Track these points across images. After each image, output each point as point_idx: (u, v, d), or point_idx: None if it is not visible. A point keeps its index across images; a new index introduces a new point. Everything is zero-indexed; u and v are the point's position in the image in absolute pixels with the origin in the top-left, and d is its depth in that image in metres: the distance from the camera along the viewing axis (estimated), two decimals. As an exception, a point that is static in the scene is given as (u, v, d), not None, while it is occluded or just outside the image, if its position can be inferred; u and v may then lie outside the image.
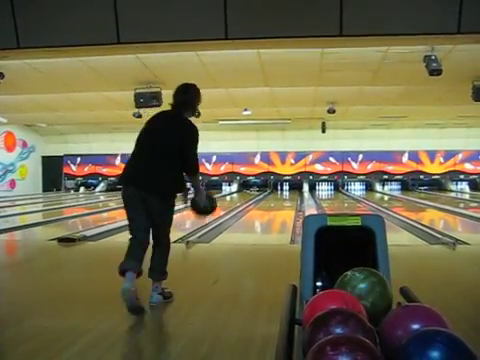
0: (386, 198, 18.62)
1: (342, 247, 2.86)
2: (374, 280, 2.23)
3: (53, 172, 22.45)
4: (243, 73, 9.86)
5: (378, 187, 21.57)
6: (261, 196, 18.90)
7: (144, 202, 3.86)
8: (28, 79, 10.08)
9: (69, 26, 6.07)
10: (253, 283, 4.89)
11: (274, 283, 4.34)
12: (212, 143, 19.38)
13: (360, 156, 21.60)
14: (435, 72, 7.60)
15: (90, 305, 4.02)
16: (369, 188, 21.66)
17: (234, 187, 22.13)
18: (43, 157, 22.54)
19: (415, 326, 1.77)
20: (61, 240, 7.26)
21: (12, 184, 20.68)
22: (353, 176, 21.90)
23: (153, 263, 3.98)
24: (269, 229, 10.91)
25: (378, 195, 19.89)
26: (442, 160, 21.40)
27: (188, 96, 4.05)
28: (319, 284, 2.77)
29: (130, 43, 6.17)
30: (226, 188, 22.24)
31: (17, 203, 16.10)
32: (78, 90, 11.56)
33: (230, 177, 22.28)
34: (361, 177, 21.85)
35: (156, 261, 3.98)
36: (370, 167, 21.67)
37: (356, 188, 21.87)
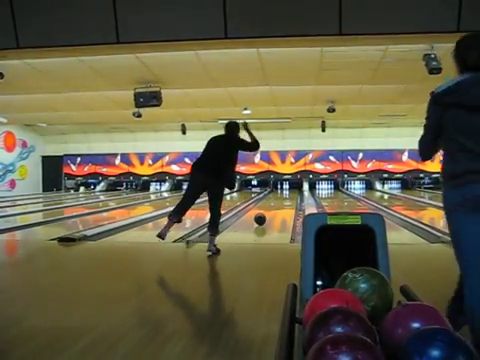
0: (386, 197, 18.62)
1: (342, 246, 2.86)
2: (375, 282, 2.22)
3: (53, 172, 22.46)
4: (243, 72, 9.85)
5: (378, 186, 21.58)
6: (261, 195, 18.90)
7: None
8: (28, 79, 10.07)
9: (68, 26, 6.07)
10: (253, 282, 4.89)
11: (274, 282, 4.34)
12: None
13: (360, 155, 21.61)
14: (435, 70, 7.59)
15: (91, 305, 4.02)
16: (369, 187, 21.68)
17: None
18: (43, 157, 22.55)
19: (415, 325, 1.77)
20: (61, 240, 7.26)
21: (12, 184, 20.68)
22: (353, 175, 21.91)
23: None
24: (269, 228, 10.90)
25: (378, 194, 19.89)
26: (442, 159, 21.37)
27: (231, 131, 6.46)
28: (319, 283, 2.78)
29: (129, 43, 6.17)
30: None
31: (17, 203, 16.09)
32: (78, 90, 11.55)
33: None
34: (361, 176, 21.86)
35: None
36: (370, 166, 21.68)
37: (356, 187, 21.89)
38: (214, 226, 6.21)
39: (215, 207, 6.22)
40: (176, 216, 6.17)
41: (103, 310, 3.87)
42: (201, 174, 6.15)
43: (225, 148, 6.35)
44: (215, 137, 6.57)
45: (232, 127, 6.55)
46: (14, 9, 5.90)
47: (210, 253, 6.00)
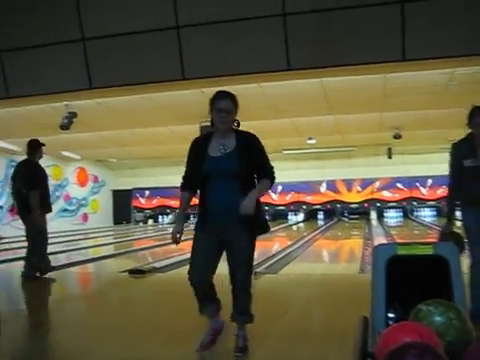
0: (459, 224, 17.88)
1: (414, 276, 2.77)
2: (451, 315, 2.13)
3: (123, 205, 23.14)
4: (306, 102, 9.87)
5: (450, 213, 20.78)
6: (328, 225, 18.66)
7: None
8: (98, 117, 10.52)
9: (137, 65, 6.33)
10: (322, 314, 4.81)
11: (344, 314, 4.24)
12: (277, 173, 19.27)
13: (429, 181, 20.96)
14: (505, 92, 7.34)
15: (160, 337, 4.06)
16: (440, 214, 20.91)
17: (300, 217, 21.99)
18: (113, 191, 23.29)
19: (497, 361, 1.69)
20: (132, 272, 7.43)
21: (85, 218, 21.44)
22: (422, 202, 21.25)
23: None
24: (337, 258, 10.72)
25: (450, 221, 19.14)
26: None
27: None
28: (391, 316, 2.69)
29: (194, 79, 6.34)
30: (292, 218, 22.14)
31: (89, 236, 16.64)
32: (145, 125, 11.94)
33: (296, 206, 22.17)
34: (431, 203, 21.15)
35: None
36: (440, 192, 20.91)
37: (426, 214, 21.18)
38: (245, 309, 3.69)
39: (244, 276, 3.73)
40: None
41: (173, 342, 3.89)
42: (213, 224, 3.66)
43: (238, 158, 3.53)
44: (201, 138, 3.75)
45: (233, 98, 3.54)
46: (87, 53, 6.23)
47: (240, 355, 3.52)
